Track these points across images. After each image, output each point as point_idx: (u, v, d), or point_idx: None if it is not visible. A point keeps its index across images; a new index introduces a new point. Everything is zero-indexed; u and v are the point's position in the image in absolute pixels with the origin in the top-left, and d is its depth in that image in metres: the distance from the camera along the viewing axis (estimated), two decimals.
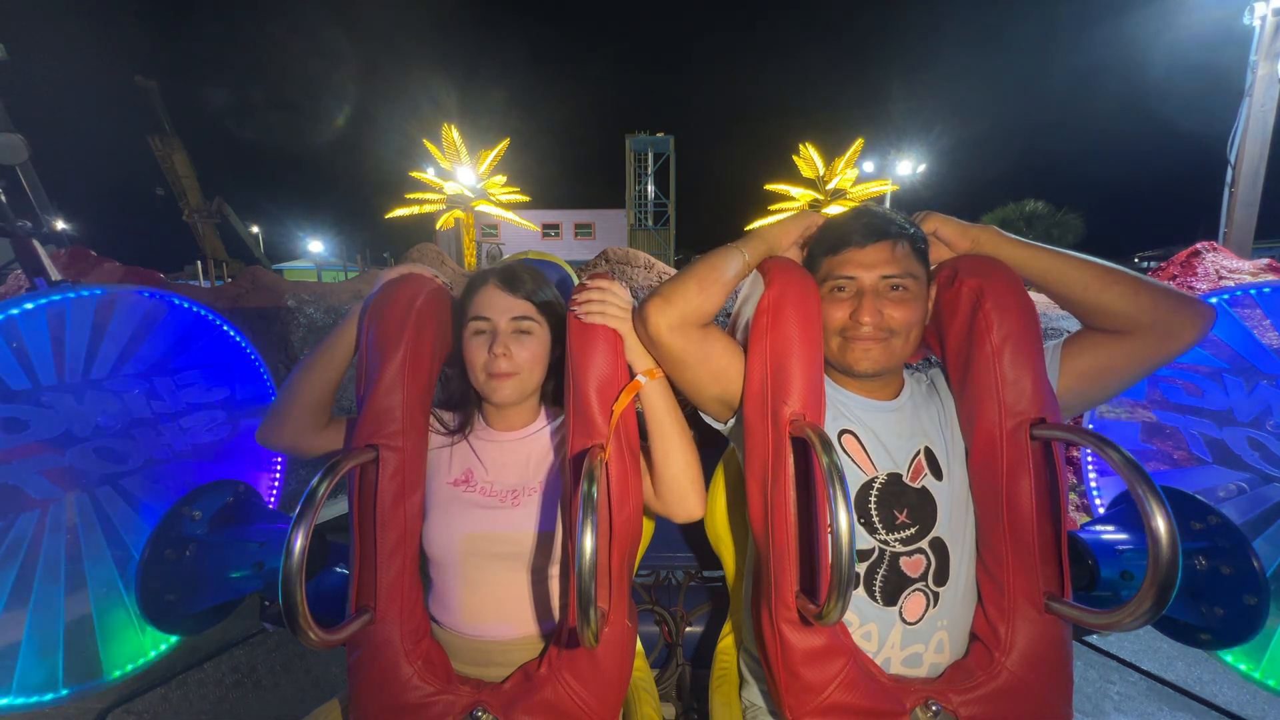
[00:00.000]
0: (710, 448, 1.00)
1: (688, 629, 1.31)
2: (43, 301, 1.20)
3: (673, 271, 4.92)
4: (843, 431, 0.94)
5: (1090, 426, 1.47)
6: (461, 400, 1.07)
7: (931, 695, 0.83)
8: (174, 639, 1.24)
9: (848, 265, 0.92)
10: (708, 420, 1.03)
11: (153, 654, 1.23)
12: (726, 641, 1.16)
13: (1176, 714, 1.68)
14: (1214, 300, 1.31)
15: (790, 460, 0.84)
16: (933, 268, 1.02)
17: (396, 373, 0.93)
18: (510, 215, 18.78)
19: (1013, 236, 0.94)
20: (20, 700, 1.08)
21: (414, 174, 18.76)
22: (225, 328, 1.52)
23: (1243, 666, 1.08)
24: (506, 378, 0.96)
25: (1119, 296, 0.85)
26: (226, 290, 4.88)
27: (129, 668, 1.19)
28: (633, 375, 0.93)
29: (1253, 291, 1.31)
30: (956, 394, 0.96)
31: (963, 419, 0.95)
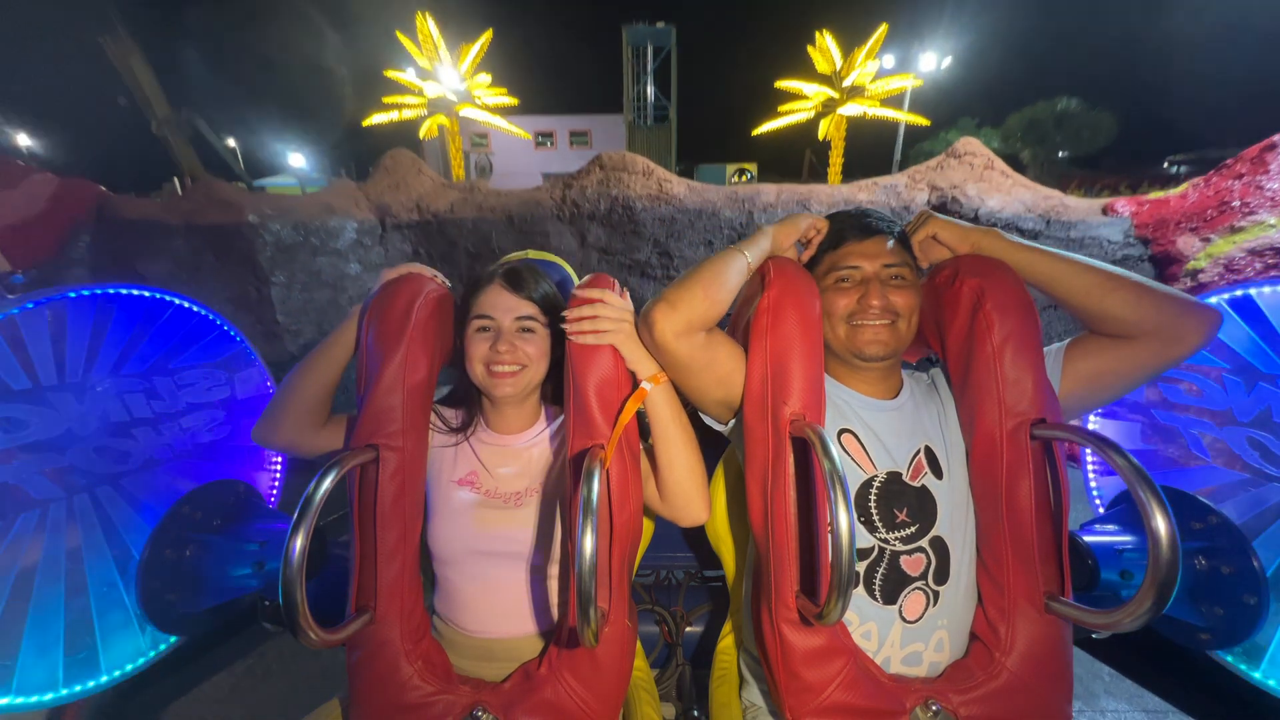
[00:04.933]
0: (710, 448, 1.00)
1: (688, 629, 1.31)
2: (43, 301, 1.20)
3: (673, 179, 4.83)
4: (842, 430, 0.94)
5: (1090, 426, 1.47)
6: (463, 398, 1.07)
7: (931, 695, 0.83)
8: (174, 639, 1.24)
9: (850, 257, 0.95)
10: (708, 421, 1.03)
11: (153, 654, 1.23)
12: (726, 641, 1.16)
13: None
14: (1214, 300, 1.32)
15: (790, 460, 0.84)
16: (932, 266, 1.03)
17: (396, 372, 0.93)
18: (499, 121, 16.29)
19: (1014, 240, 0.94)
20: (20, 700, 1.08)
21: (389, 73, 16.11)
22: (225, 328, 1.52)
23: (1243, 666, 1.08)
24: (509, 376, 0.96)
25: (1122, 302, 0.84)
26: (178, 206, 4.38)
27: (129, 668, 1.19)
28: (636, 382, 0.93)
29: (1253, 292, 1.31)
30: (957, 394, 0.96)
31: (963, 419, 0.95)
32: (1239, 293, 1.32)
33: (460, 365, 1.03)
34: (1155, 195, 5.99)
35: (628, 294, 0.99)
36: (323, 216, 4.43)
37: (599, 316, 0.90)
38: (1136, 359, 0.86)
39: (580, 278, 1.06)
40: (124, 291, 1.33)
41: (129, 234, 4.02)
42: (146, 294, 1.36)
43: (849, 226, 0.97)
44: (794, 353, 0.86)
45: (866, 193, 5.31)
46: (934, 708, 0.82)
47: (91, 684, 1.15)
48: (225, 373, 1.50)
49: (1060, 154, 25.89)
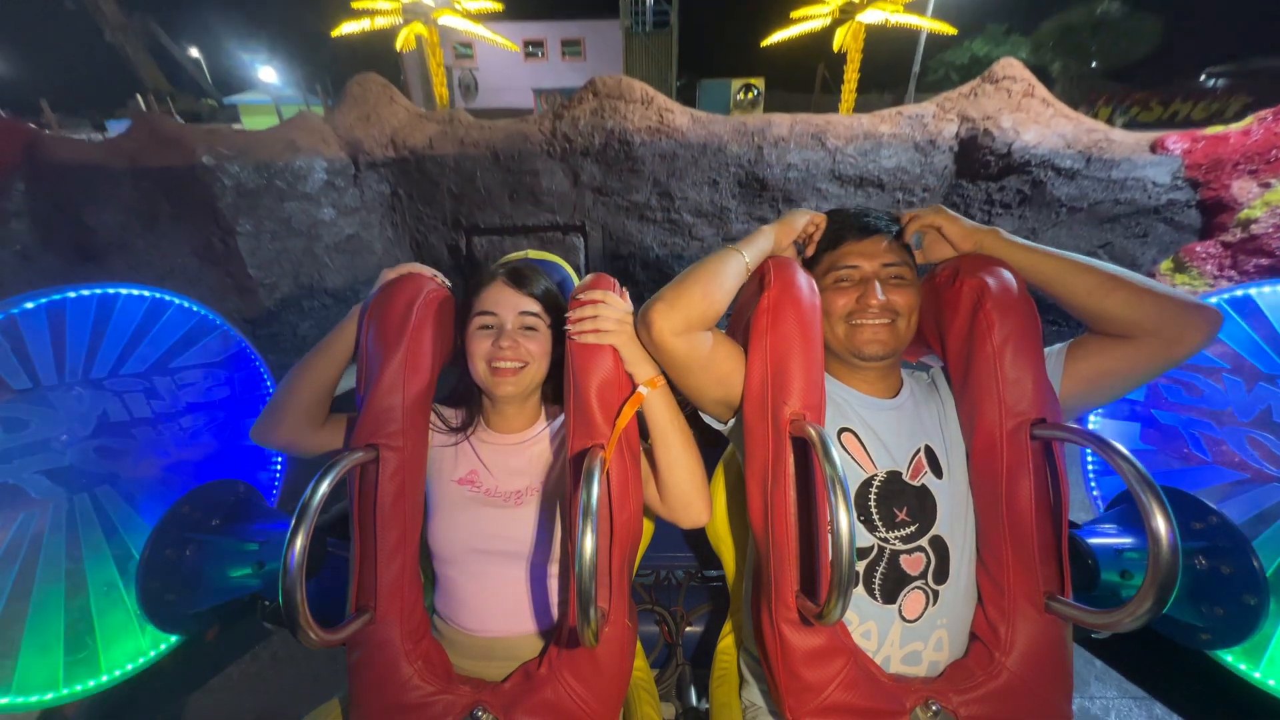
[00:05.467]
0: (710, 448, 1.00)
1: (688, 629, 1.31)
2: (43, 301, 1.20)
3: (675, 109, 4.32)
4: (842, 430, 0.94)
5: (1090, 427, 1.47)
6: (464, 397, 1.07)
7: (931, 695, 0.83)
8: (174, 639, 1.24)
9: (849, 256, 0.96)
10: (708, 420, 1.03)
11: (153, 654, 1.23)
12: (726, 641, 1.16)
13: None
14: (1214, 300, 1.32)
15: (790, 460, 0.84)
16: (935, 262, 1.03)
17: (396, 372, 0.93)
18: (482, 31, 14.09)
19: (1016, 240, 0.95)
20: (20, 700, 1.08)
21: None
22: (226, 327, 1.52)
23: (1243, 667, 1.08)
24: (511, 373, 0.96)
25: (1122, 303, 0.84)
26: (120, 146, 3.68)
27: (129, 668, 1.19)
28: (634, 386, 0.93)
29: (1253, 291, 1.31)
30: (957, 394, 0.96)
31: (963, 418, 0.95)
32: (1239, 292, 1.32)
33: (461, 365, 1.03)
34: (1213, 130, 4.98)
35: (627, 294, 0.99)
36: (287, 156, 3.82)
37: (600, 316, 0.90)
38: (1137, 359, 0.86)
39: (581, 272, 1.06)
40: (124, 291, 1.33)
41: (70, 181, 3.46)
42: (147, 294, 1.37)
43: (848, 226, 0.98)
44: (794, 352, 0.86)
45: (889, 124, 4.61)
46: (934, 708, 0.82)
47: (91, 684, 1.15)
48: (225, 373, 1.50)
49: (1092, 65, 22.71)
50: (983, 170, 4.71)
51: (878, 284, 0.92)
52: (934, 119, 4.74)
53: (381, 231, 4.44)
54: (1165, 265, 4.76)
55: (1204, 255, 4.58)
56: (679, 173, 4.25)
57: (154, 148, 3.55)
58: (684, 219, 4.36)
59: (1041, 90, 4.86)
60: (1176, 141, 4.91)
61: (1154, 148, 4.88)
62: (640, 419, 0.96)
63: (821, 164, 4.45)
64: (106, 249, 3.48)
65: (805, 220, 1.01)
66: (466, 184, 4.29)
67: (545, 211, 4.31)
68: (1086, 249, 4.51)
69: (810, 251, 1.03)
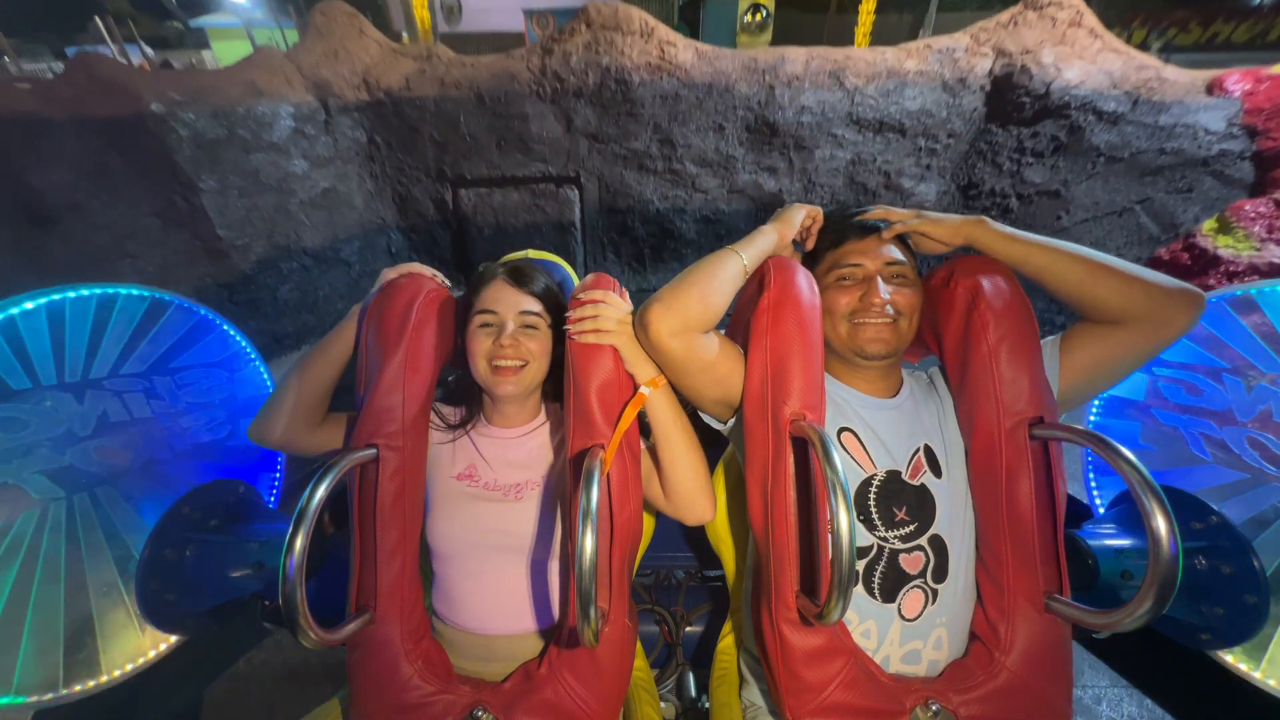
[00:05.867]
0: (710, 448, 1.00)
1: (688, 629, 1.31)
2: (42, 301, 1.20)
3: (677, 42, 3.83)
4: (842, 429, 0.94)
5: (1090, 427, 1.47)
6: (464, 395, 1.07)
7: (931, 695, 0.83)
8: (174, 639, 1.24)
9: (853, 254, 0.96)
10: (707, 420, 1.03)
11: (152, 654, 1.23)
12: (726, 641, 1.16)
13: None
14: (1214, 300, 1.32)
15: (790, 460, 0.84)
16: (927, 255, 1.02)
17: (396, 372, 0.93)
18: None
19: (1005, 230, 0.93)
20: (20, 700, 1.08)
21: None
22: (226, 327, 1.52)
23: (1243, 667, 1.08)
24: (512, 372, 0.96)
25: (1114, 290, 0.85)
26: (57, 92, 3.13)
27: (129, 667, 1.19)
28: (635, 386, 0.93)
29: (1253, 291, 1.31)
30: (955, 394, 0.96)
31: (962, 418, 0.95)
32: (1240, 292, 1.32)
33: (461, 363, 1.03)
34: None
35: (627, 295, 0.99)
36: (248, 100, 3.27)
37: (600, 316, 0.90)
38: (1129, 345, 0.87)
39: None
40: (124, 291, 1.33)
41: (8, 136, 2.99)
42: (146, 294, 1.37)
43: (850, 224, 0.99)
44: (794, 352, 0.86)
45: (916, 60, 3.98)
46: (934, 707, 0.82)
47: (91, 684, 1.14)
48: (225, 372, 1.50)
49: None
50: (1015, 114, 3.96)
51: (881, 283, 0.92)
52: (966, 53, 4.02)
53: (360, 184, 3.86)
54: (1208, 225, 3.99)
55: (1253, 215, 3.84)
56: (682, 117, 3.74)
57: (95, 93, 2.97)
58: (687, 169, 3.80)
59: (1090, 18, 4.09)
60: (1238, 82, 4.10)
61: (1210, 89, 4.10)
62: (641, 417, 0.96)
63: (839, 106, 3.84)
64: (57, 211, 2.93)
65: (802, 215, 1.01)
66: (449, 130, 3.73)
67: (536, 161, 3.75)
68: (1122, 204, 3.78)
69: (810, 245, 1.03)
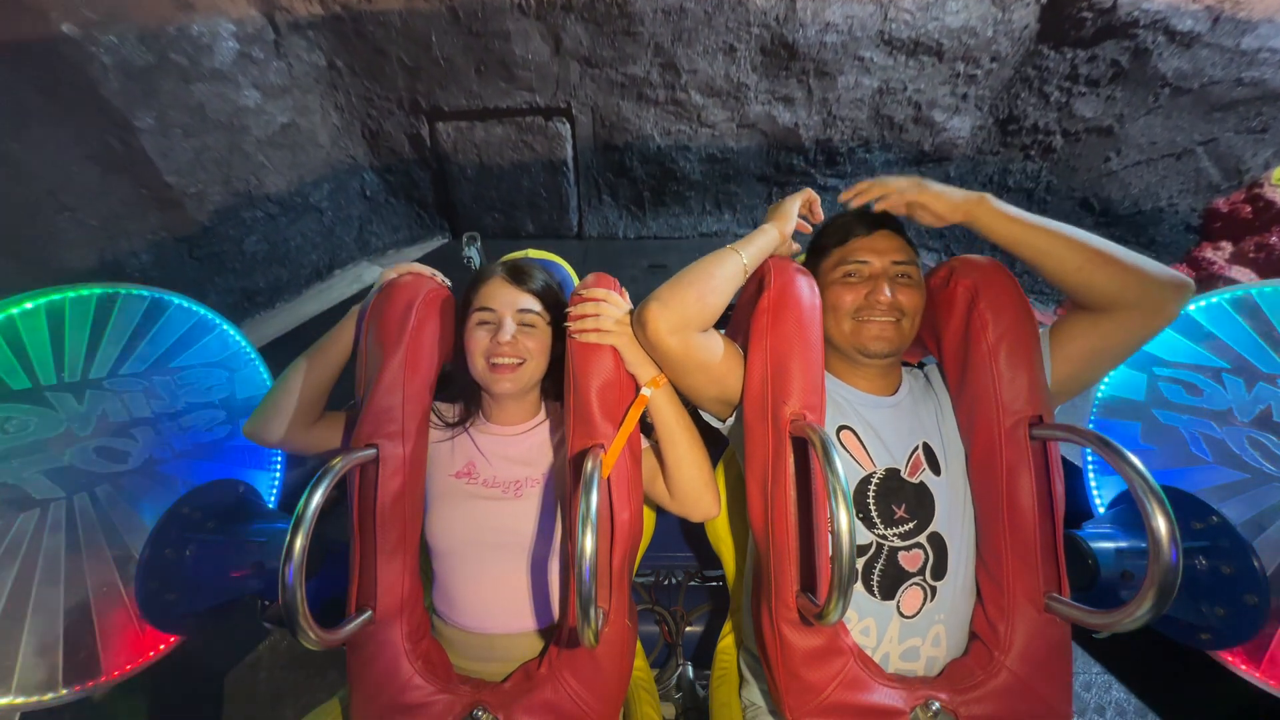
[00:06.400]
0: (710, 447, 1.00)
1: (688, 629, 1.31)
2: (42, 301, 1.20)
3: None
4: (841, 428, 0.94)
5: (1090, 426, 1.47)
6: (463, 394, 1.07)
7: (931, 694, 0.83)
8: (174, 639, 1.24)
9: (859, 251, 0.96)
10: (707, 418, 1.03)
11: (152, 654, 1.23)
12: (726, 641, 1.16)
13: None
14: (1215, 299, 1.32)
15: (790, 460, 0.84)
16: (922, 225, 1.00)
17: (396, 372, 0.93)
18: None
19: (1008, 210, 0.89)
20: (20, 700, 1.08)
21: None
22: (225, 327, 1.52)
23: (1243, 667, 1.08)
24: (509, 370, 0.96)
25: (1110, 277, 0.84)
26: None
27: (129, 668, 1.19)
28: (636, 387, 0.93)
29: (1253, 291, 1.32)
30: (955, 393, 0.97)
31: (961, 418, 0.95)
32: (1239, 292, 1.32)
33: (460, 361, 1.03)
34: None
35: (627, 294, 0.99)
36: (179, 18, 2.70)
37: (601, 316, 0.90)
38: (1120, 332, 0.87)
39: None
40: (124, 291, 1.33)
41: None
42: (146, 293, 1.37)
43: (855, 221, 0.99)
44: (794, 352, 0.86)
45: None
46: (934, 707, 0.82)
47: (91, 684, 1.14)
48: (225, 372, 1.50)
49: None
50: (1074, 32, 3.23)
51: (886, 282, 0.93)
52: None
53: (324, 118, 3.27)
54: (1278, 174, 3.21)
55: None
56: (687, 36, 3.16)
57: None
58: (692, 99, 3.25)
59: None
60: None
61: None
62: (643, 416, 0.96)
63: (870, 22, 3.18)
64: None
65: (797, 203, 1.04)
66: (421, 52, 3.17)
67: (521, 89, 3.21)
68: (1183, 145, 3.05)
69: (817, 219, 1.05)
